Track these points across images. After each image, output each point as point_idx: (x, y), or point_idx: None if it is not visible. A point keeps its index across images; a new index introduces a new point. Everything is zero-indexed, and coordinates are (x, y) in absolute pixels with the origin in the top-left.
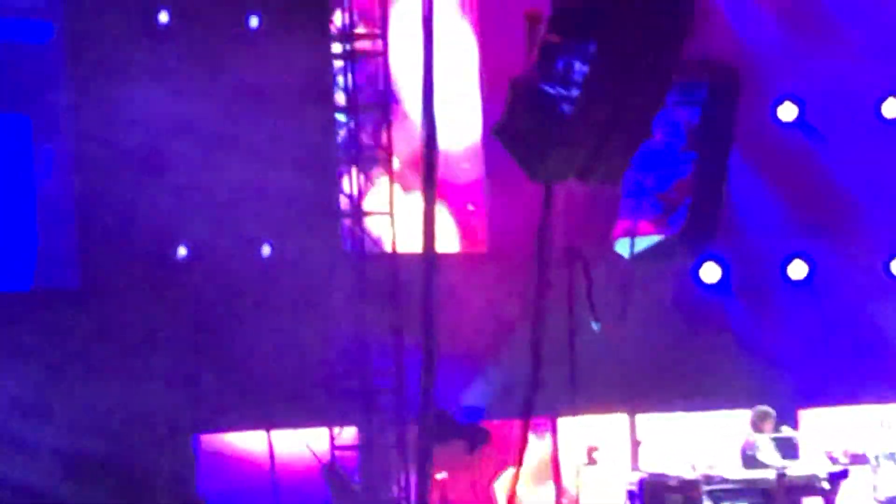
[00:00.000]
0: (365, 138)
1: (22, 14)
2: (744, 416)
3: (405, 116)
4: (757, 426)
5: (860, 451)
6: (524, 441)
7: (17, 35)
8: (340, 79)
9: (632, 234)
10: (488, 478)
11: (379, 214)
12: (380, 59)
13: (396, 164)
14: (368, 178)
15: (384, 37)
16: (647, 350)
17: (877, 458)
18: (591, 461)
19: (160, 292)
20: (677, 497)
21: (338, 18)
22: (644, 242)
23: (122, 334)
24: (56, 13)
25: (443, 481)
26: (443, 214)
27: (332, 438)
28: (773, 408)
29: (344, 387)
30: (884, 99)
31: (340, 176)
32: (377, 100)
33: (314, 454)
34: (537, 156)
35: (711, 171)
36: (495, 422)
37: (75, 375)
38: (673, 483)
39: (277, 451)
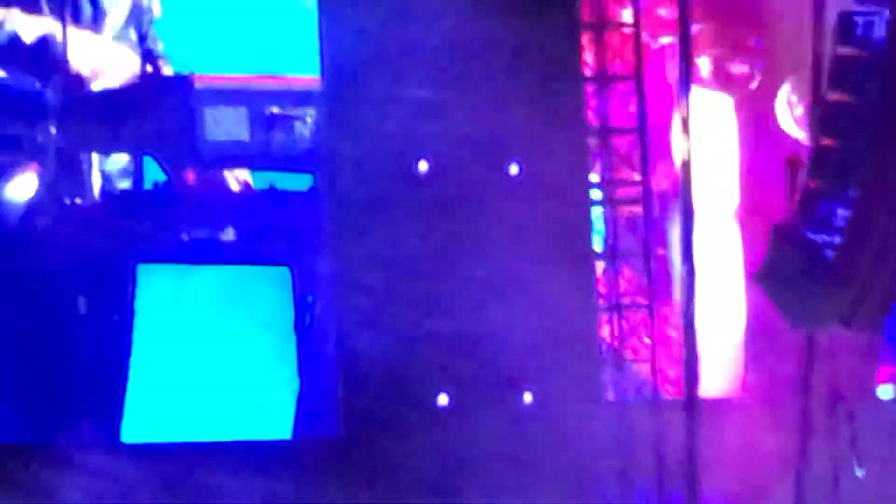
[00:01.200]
0: (624, 285)
1: (281, 164)
2: None
3: (665, 263)
4: None
5: None
6: None
7: (278, 186)
8: (600, 225)
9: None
10: None
11: (640, 362)
12: (639, 206)
13: (656, 309)
14: (629, 324)
15: (645, 183)
16: None
17: None
18: None
19: (422, 441)
20: None
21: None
22: None
23: (386, 485)
24: (314, 161)
25: None
26: (705, 359)
27: None
28: None
29: None
30: None
31: (600, 323)
32: (636, 247)
33: None
34: (800, 302)
35: None
36: None
37: None
38: None
39: None
